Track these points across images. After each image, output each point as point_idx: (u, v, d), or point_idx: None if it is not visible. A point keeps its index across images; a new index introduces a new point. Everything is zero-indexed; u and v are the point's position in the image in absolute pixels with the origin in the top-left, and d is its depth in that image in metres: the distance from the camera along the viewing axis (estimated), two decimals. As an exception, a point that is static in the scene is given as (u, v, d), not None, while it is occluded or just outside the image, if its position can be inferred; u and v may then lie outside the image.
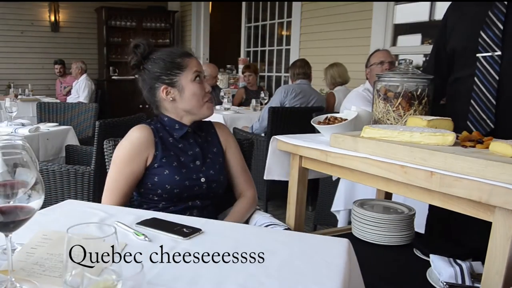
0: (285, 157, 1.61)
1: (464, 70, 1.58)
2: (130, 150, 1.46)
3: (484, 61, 1.50)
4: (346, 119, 1.48)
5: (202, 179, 1.51)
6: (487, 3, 1.52)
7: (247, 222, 1.57)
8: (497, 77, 1.47)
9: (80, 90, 6.13)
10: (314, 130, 1.58)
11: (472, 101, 1.52)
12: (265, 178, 1.64)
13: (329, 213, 2.78)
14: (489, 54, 1.48)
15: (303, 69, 4.01)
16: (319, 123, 1.53)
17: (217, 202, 1.59)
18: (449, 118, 1.31)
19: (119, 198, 1.46)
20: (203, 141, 1.59)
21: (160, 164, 1.47)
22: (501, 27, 1.47)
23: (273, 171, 1.63)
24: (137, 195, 1.55)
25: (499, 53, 1.47)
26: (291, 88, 3.89)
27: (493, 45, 1.48)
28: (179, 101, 1.52)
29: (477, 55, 1.51)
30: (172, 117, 1.55)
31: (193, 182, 1.49)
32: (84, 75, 6.28)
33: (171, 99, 1.51)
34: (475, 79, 1.52)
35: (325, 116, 1.55)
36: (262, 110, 3.99)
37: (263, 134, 3.72)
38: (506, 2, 1.48)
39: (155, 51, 1.55)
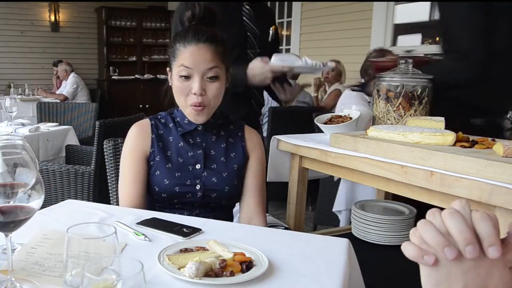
0: (287, 158, 1.61)
1: None
2: (128, 147, 1.35)
3: None
4: (351, 118, 1.47)
5: (198, 186, 1.31)
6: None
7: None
8: None
9: (67, 86, 6.01)
10: (313, 130, 1.58)
11: None
12: (268, 180, 1.63)
13: (329, 213, 2.78)
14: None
15: None
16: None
17: (223, 216, 1.34)
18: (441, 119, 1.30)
19: (133, 198, 1.31)
20: (219, 141, 1.37)
21: (154, 163, 1.33)
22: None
23: (276, 172, 1.62)
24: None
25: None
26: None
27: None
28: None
29: None
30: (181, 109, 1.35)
31: (185, 189, 1.31)
32: (72, 74, 6.15)
33: (170, 83, 1.34)
34: None
35: (328, 115, 1.55)
36: None
37: (264, 134, 3.71)
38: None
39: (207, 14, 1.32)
